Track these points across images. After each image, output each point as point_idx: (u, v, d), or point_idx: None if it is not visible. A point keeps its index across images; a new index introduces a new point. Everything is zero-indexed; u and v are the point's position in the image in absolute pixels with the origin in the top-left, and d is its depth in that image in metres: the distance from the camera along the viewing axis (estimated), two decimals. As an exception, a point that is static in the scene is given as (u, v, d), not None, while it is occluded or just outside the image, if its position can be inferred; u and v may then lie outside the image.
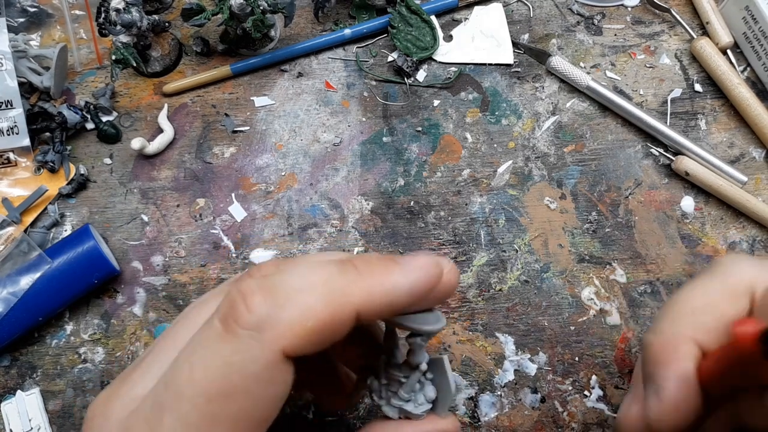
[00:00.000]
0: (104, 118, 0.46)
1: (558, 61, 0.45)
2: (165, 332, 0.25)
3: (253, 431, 0.21)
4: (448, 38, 0.47)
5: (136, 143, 0.43)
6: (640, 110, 0.44)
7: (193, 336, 0.22)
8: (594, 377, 0.39)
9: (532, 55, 0.46)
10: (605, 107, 0.45)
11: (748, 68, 0.46)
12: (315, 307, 0.21)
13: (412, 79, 0.46)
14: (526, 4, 0.48)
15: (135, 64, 0.44)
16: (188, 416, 0.20)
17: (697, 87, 0.45)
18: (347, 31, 0.46)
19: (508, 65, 0.46)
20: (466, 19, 0.48)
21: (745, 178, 0.42)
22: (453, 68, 0.46)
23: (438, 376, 0.28)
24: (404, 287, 0.23)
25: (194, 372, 0.21)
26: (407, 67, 0.45)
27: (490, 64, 0.46)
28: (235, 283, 0.23)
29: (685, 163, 0.42)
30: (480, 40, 0.47)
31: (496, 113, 0.45)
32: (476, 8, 0.48)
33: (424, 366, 0.26)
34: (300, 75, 0.47)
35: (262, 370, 0.20)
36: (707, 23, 0.46)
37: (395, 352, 0.27)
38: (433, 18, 0.47)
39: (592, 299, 0.41)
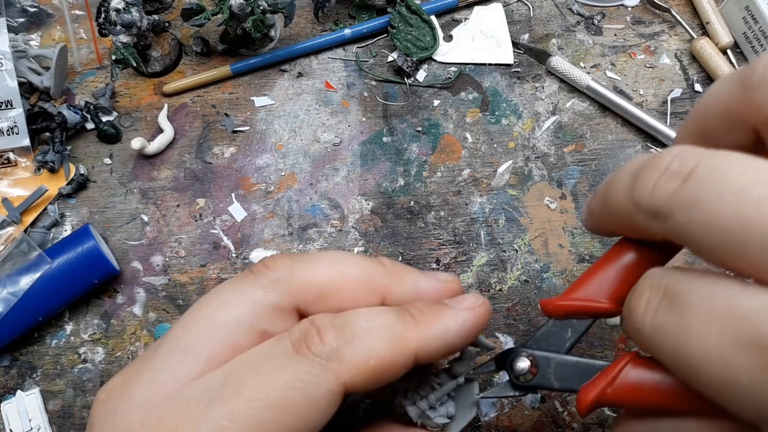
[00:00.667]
0: (104, 118, 0.46)
1: (558, 61, 0.45)
2: (183, 321, 0.25)
3: None
4: (448, 38, 0.47)
5: (136, 143, 0.43)
6: (640, 110, 0.44)
7: (260, 347, 0.24)
8: (594, 377, 0.39)
9: (532, 55, 0.46)
10: (605, 107, 0.45)
11: (748, 68, 0.46)
12: (379, 349, 0.23)
13: (412, 79, 0.46)
14: (526, 4, 0.48)
15: (135, 64, 0.44)
16: (239, 415, 0.21)
17: (697, 87, 0.45)
18: (347, 31, 0.46)
19: (508, 65, 0.46)
20: (466, 19, 0.48)
21: None
22: (453, 68, 0.46)
23: (462, 396, 0.28)
24: (455, 330, 0.25)
25: (259, 378, 0.22)
26: (407, 67, 0.45)
27: (490, 64, 0.46)
28: (306, 321, 0.24)
29: None
30: (480, 40, 0.47)
31: (496, 113, 0.45)
32: (476, 8, 0.48)
33: (461, 379, 0.27)
34: (300, 75, 0.47)
35: (322, 396, 0.22)
36: (707, 23, 0.46)
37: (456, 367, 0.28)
38: (433, 18, 0.47)
39: (592, 299, 0.41)
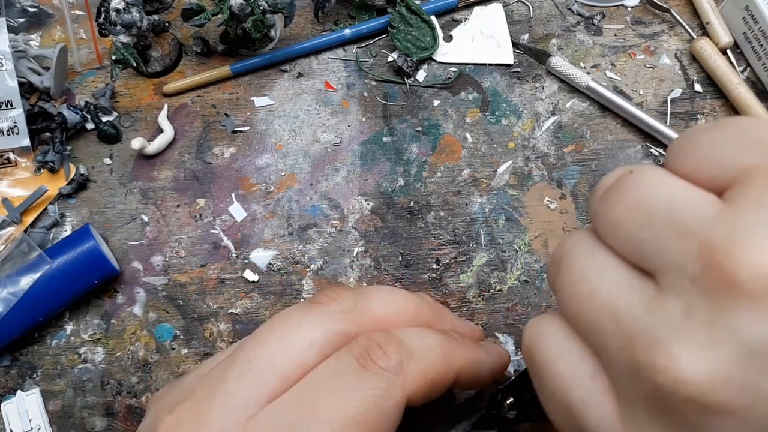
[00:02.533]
0: (104, 118, 0.46)
1: (558, 62, 0.45)
2: (253, 343, 0.26)
3: None
4: (448, 38, 0.47)
5: (136, 143, 0.43)
6: (640, 110, 0.44)
7: (324, 367, 0.25)
8: (594, 377, 0.39)
9: (532, 56, 0.46)
10: (605, 107, 0.45)
11: (748, 68, 0.46)
12: (435, 364, 0.26)
13: (412, 79, 0.46)
14: (526, 4, 0.48)
15: (135, 64, 0.44)
16: None
17: (697, 87, 0.45)
18: (347, 32, 0.46)
19: (508, 65, 0.46)
20: (465, 19, 0.48)
21: None
22: (453, 68, 0.46)
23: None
24: (489, 363, 0.29)
25: (335, 399, 0.23)
26: (407, 67, 0.45)
27: (490, 64, 0.46)
28: (363, 336, 0.26)
29: None
30: (480, 40, 0.47)
31: (496, 113, 0.45)
32: (476, 8, 0.48)
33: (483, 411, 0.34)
34: (300, 75, 0.47)
35: (392, 408, 0.24)
36: (707, 23, 0.46)
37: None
38: (432, 18, 0.47)
39: (592, 299, 0.41)
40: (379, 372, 0.24)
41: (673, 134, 0.43)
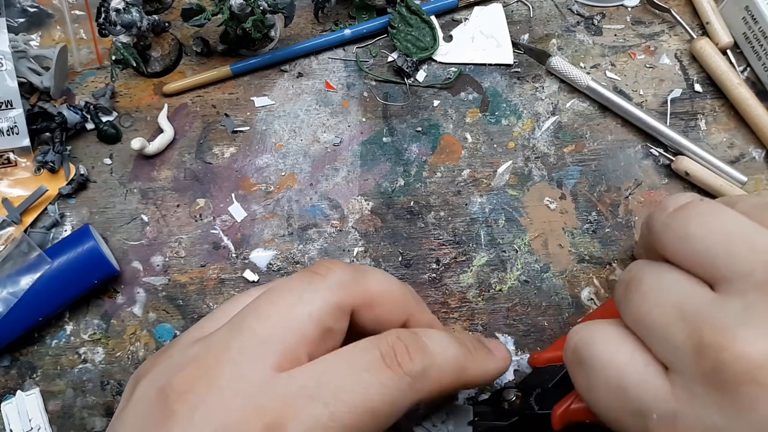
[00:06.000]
0: (104, 119, 0.46)
1: (558, 62, 0.45)
2: (255, 314, 0.27)
3: None
4: (448, 38, 0.47)
5: (136, 143, 0.43)
6: (640, 110, 0.44)
7: (348, 353, 0.26)
8: (594, 377, 0.39)
9: (532, 56, 0.46)
10: (605, 107, 0.45)
11: (748, 68, 0.46)
12: (449, 374, 0.28)
13: (412, 79, 0.46)
14: (526, 4, 0.48)
15: (135, 65, 0.44)
16: (341, 417, 0.24)
17: (697, 87, 0.45)
18: (347, 32, 0.46)
19: (508, 65, 0.46)
20: (466, 19, 0.48)
21: (744, 178, 0.42)
22: (453, 68, 0.46)
23: (460, 419, 0.34)
24: (492, 373, 0.31)
25: (357, 386, 0.25)
26: (407, 68, 0.45)
27: (490, 65, 0.46)
28: (392, 334, 0.27)
29: (684, 163, 0.42)
30: (480, 40, 0.47)
31: (496, 113, 0.45)
32: (476, 8, 0.48)
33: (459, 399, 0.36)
34: (300, 75, 0.47)
35: (404, 407, 0.26)
36: (707, 23, 0.46)
37: None
38: (432, 18, 0.47)
39: (592, 299, 0.41)
40: (401, 375, 0.25)
41: (673, 134, 0.43)
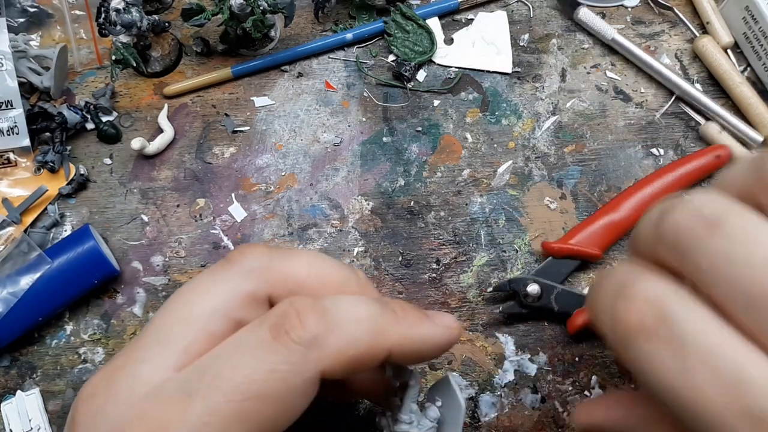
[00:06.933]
0: (104, 118, 0.46)
1: (585, 13, 0.46)
2: (163, 311, 0.25)
3: None
4: (449, 41, 0.47)
5: (136, 143, 0.43)
6: (667, 69, 0.45)
7: (238, 335, 0.23)
8: (594, 377, 0.39)
9: (562, 5, 0.47)
10: (605, 107, 0.45)
11: (748, 68, 0.46)
12: (359, 339, 0.23)
13: (412, 82, 0.46)
14: (526, 4, 0.48)
15: (135, 64, 0.44)
16: (219, 408, 0.21)
17: (698, 86, 0.45)
18: (349, 36, 0.46)
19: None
20: (466, 20, 0.48)
21: (760, 138, 0.43)
22: (453, 69, 0.46)
23: (446, 396, 0.28)
24: (432, 340, 0.26)
25: (238, 370, 0.21)
26: (406, 71, 0.45)
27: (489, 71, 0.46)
28: (285, 302, 0.24)
29: (712, 128, 0.43)
30: (481, 46, 0.47)
31: (496, 113, 0.45)
32: (480, 14, 0.48)
33: (413, 382, 0.27)
34: (300, 75, 0.47)
35: (301, 384, 0.22)
36: (707, 23, 0.46)
37: (393, 381, 0.28)
38: (431, 21, 0.47)
39: (592, 299, 0.41)
40: (290, 346, 0.22)
41: (702, 97, 0.44)
